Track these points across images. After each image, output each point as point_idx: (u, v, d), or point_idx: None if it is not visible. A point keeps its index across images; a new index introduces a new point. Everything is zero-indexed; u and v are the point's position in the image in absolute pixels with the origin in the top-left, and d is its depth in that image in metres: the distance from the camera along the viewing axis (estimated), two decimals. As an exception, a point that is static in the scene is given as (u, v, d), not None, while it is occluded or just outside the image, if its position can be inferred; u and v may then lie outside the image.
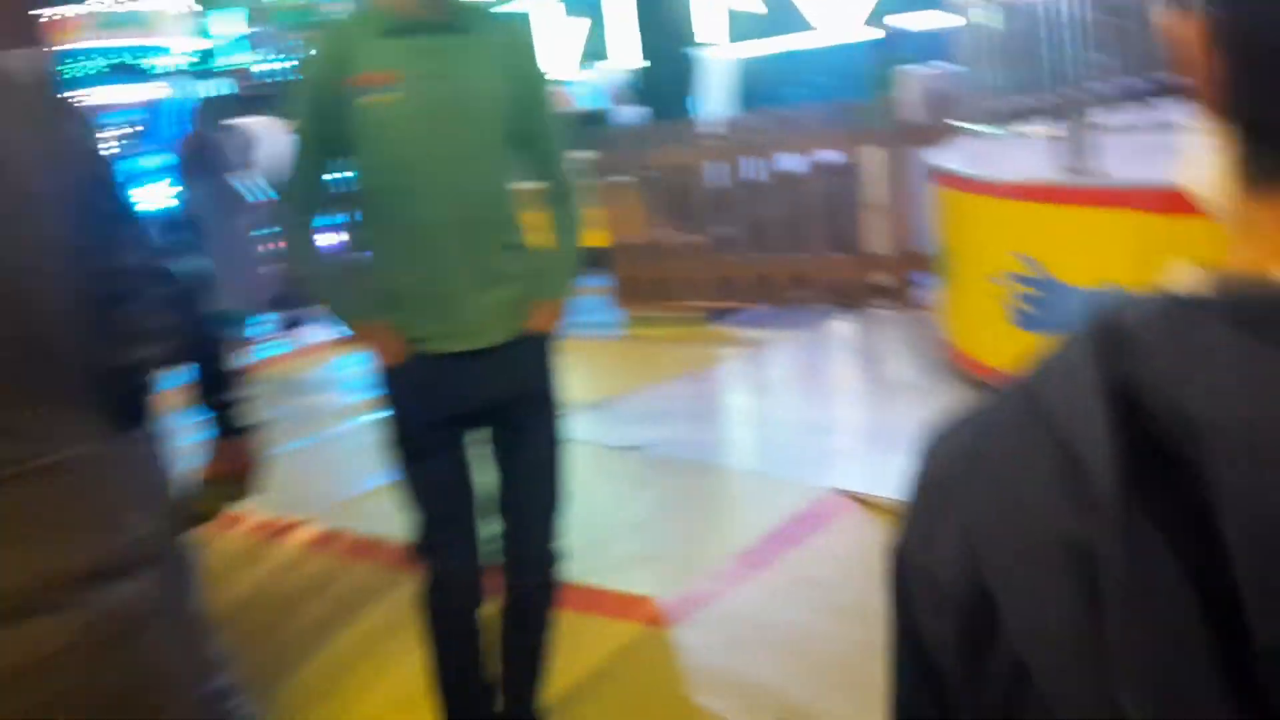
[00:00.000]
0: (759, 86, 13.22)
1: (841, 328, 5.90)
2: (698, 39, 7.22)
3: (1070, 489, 0.44)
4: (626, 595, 2.98)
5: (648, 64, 7.26)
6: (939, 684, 0.53)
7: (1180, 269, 0.48)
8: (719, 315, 6.71)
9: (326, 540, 3.77)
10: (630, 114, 8.87)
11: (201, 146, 7.69)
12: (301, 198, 2.22)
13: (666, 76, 7.05)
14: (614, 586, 3.02)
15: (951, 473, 0.54)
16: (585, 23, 14.68)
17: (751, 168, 6.46)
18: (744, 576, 3.05)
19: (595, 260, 7.98)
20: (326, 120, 2.12)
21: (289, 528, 3.91)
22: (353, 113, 2.08)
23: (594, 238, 7.34)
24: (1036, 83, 4.57)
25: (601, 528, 3.33)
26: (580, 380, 5.67)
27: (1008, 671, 0.47)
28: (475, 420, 2.27)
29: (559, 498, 2.36)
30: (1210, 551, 0.40)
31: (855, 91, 8.04)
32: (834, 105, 6.08)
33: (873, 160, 6.02)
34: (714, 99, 13.01)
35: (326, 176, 2.23)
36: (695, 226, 6.68)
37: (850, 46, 10.79)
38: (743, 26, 14.16)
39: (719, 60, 13.77)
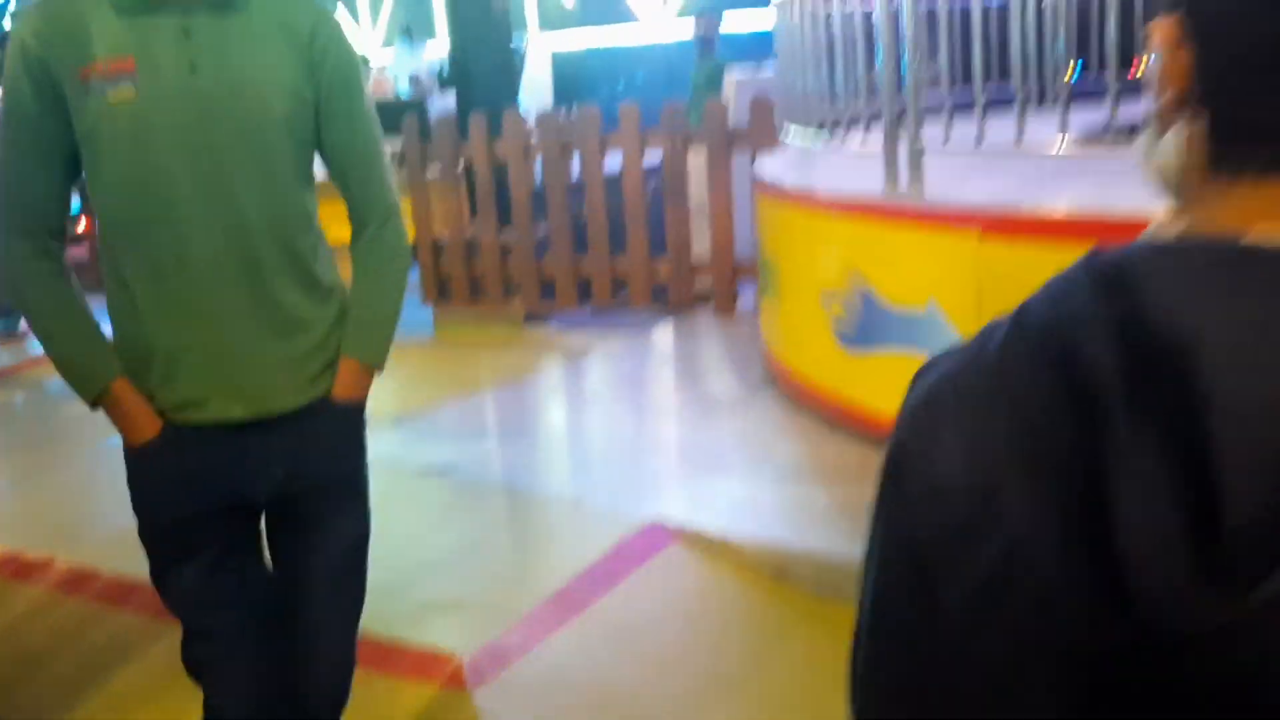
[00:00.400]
0: (581, 81, 12.97)
1: (664, 335, 5.72)
2: (515, 26, 6.85)
3: (1077, 400, 0.52)
4: (424, 651, 2.66)
5: (459, 50, 6.85)
6: (919, 578, 0.58)
7: (1159, 227, 0.59)
8: (537, 318, 6.43)
9: (77, 582, 3.28)
10: (445, 103, 8.45)
11: None
12: (23, 223, 1.71)
13: (481, 64, 6.67)
14: (411, 639, 2.70)
15: (954, 389, 0.59)
16: (390, 3, 14.09)
17: (573, 166, 6.20)
18: (556, 624, 2.79)
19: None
20: (51, 121, 1.65)
21: (33, 567, 3.40)
22: (84, 114, 1.63)
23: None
24: (861, 91, 4.49)
25: (398, 568, 3.00)
26: (382, 390, 5.34)
27: (998, 554, 0.54)
28: (256, 509, 1.84)
29: (358, 613, 1.93)
30: (1193, 452, 0.49)
31: (683, 91, 7.89)
32: (661, 104, 5.87)
33: (698, 163, 5.86)
34: (535, 92, 12.71)
35: (61, 194, 1.72)
36: (513, 225, 6.36)
37: (679, 44, 10.66)
38: (560, 16, 13.87)
39: (541, 51, 13.48)
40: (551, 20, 14.24)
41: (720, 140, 5.70)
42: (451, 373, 5.48)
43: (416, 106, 6.94)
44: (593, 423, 4.47)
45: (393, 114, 6.85)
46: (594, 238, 6.12)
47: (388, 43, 15.18)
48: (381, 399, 5.00)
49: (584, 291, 6.30)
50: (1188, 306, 0.52)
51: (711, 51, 8.05)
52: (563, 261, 6.23)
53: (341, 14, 13.33)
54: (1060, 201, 3.15)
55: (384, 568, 3.08)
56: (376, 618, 2.68)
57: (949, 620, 0.57)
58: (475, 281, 6.56)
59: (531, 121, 6.40)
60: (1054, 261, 0.60)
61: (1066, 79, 3.86)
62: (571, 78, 13.28)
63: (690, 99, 7.61)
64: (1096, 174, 3.35)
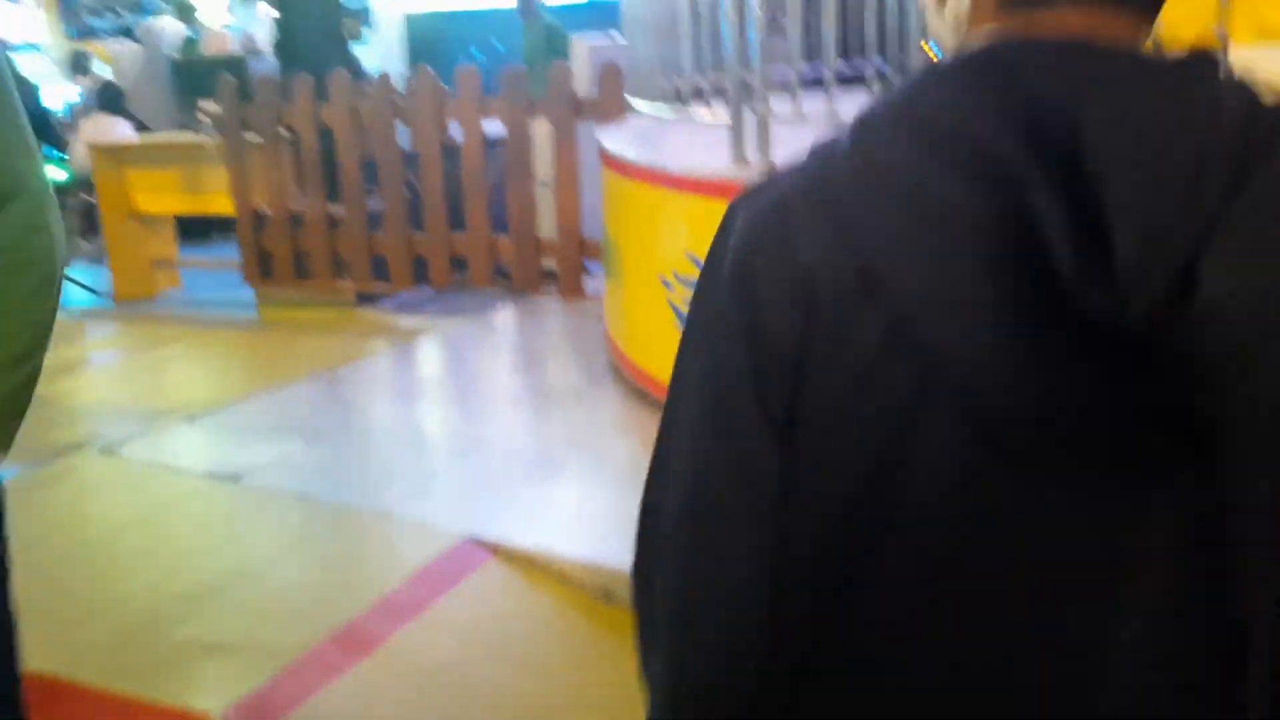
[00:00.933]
0: (437, 45, 12.35)
1: (504, 319, 5.30)
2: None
3: (968, 172, 0.58)
4: (176, 710, 2.21)
5: (281, 6, 6.25)
6: (770, 380, 0.63)
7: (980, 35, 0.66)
8: (368, 299, 5.92)
9: None
10: (270, 64, 7.80)
11: None
12: None
13: (306, 23, 6.10)
14: (154, 695, 2.24)
15: (804, 197, 0.64)
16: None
17: (408, 135, 5.70)
18: (339, 667, 2.37)
19: (212, 229, 6.95)
20: None
21: None
22: None
23: (219, 203, 6.32)
24: (713, 62, 4.16)
25: (154, 602, 2.53)
26: (179, 379, 4.95)
27: (883, 326, 0.60)
28: None
29: None
30: (1076, 200, 0.56)
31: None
32: (504, 72, 5.44)
33: (543, 135, 5.45)
34: (386, 56, 12.04)
35: None
36: (343, 197, 5.83)
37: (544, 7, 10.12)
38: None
39: (394, 12, 12.77)
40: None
41: (566, 109, 5.30)
42: (265, 360, 4.95)
43: (234, 65, 6.30)
44: (414, 419, 4.04)
45: (209, 72, 6.24)
46: (430, 213, 5.64)
47: None
48: (178, 390, 4.47)
49: (421, 271, 5.83)
50: (1055, 86, 0.60)
51: (534, 15, 7.57)
52: (397, 238, 5.74)
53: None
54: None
55: (138, 603, 2.62)
56: (115, 668, 2.22)
57: (822, 417, 0.62)
58: (301, 258, 6.01)
59: (369, 85, 5.88)
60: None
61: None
62: (426, 41, 12.64)
63: (528, 68, 7.19)
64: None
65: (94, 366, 4.96)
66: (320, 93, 5.70)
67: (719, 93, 4.01)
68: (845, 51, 4.46)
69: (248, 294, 6.15)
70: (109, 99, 6.93)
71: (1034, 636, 0.60)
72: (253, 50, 8.52)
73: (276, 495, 3.26)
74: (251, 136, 5.97)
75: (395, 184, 5.68)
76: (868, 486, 0.61)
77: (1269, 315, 0.54)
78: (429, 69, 5.58)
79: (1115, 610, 0.59)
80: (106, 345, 5.44)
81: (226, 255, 6.38)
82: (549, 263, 5.53)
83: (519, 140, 5.43)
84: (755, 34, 3.27)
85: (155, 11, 11.55)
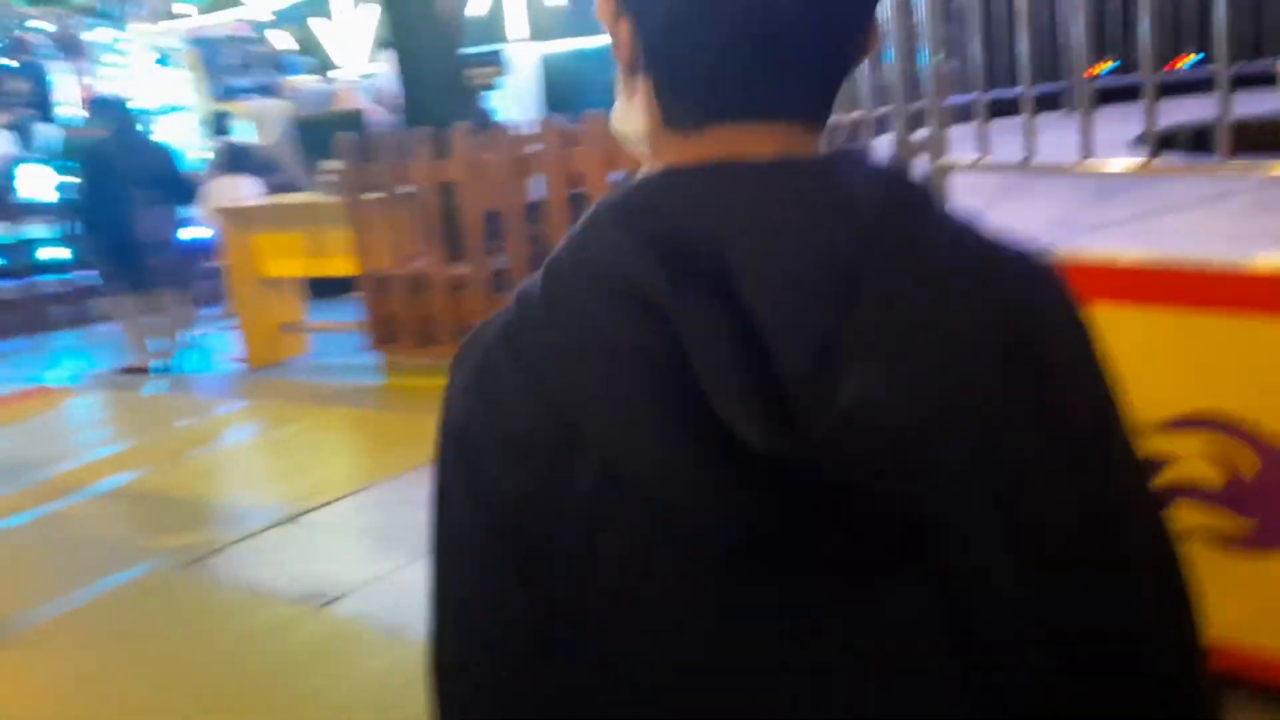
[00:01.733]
0: (574, 87, 12.03)
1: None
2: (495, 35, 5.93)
3: (634, 314, 0.60)
4: None
5: (404, 61, 5.93)
6: (511, 538, 0.64)
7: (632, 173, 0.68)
8: (494, 366, 5.49)
9: None
10: (389, 119, 7.56)
11: None
12: None
13: (427, 74, 5.75)
14: None
15: (504, 353, 0.65)
16: (375, 10, 13.19)
17: (540, 186, 5.27)
18: None
19: (344, 286, 6.67)
20: None
21: None
22: None
23: (344, 265, 6.03)
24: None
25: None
26: (289, 467, 4.33)
27: (594, 473, 0.61)
28: None
29: None
30: (740, 322, 0.58)
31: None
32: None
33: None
34: (524, 102, 11.80)
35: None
36: (466, 257, 5.44)
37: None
38: (552, 25, 12.94)
39: (530, 56, 12.57)
40: (543, 30, 13.31)
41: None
42: (378, 444, 4.58)
43: (354, 121, 6.03)
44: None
45: (329, 130, 5.97)
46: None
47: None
48: (285, 481, 4.08)
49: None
50: (701, 214, 0.61)
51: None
52: (523, 299, 5.29)
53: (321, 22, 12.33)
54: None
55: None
56: None
57: (556, 566, 0.63)
58: (424, 322, 5.64)
59: (496, 136, 5.49)
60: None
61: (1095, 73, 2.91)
62: (564, 83, 12.36)
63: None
64: (1171, 195, 2.39)
65: (209, 451, 4.65)
66: (442, 147, 5.33)
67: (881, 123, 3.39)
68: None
69: (370, 361, 5.83)
70: (237, 160, 6.79)
71: None
72: (383, 104, 8.32)
73: (370, 628, 2.78)
74: (372, 195, 5.65)
75: (520, 242, 5.25)
76: (601, 622, 0.63)
77: (906, 418, 0.58)
78: (554, 118, 5.13)
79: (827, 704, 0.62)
80: (230, 422, 5.16)
81: (355, 315, 6.08)
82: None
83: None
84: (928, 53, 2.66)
85: (296, 69, 11.65)
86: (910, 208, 0.63)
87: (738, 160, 0.63)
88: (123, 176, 6.00)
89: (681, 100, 0.66)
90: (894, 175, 0.64)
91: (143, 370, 6.27)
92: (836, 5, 0.64)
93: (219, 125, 8.38)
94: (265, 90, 11.18)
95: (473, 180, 5.30)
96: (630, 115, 0.69)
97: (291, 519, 3.57)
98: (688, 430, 0.58)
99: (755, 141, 0.64)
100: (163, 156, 6.48)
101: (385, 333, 5.76)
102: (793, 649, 0.61)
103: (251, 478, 4.28)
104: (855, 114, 3.49)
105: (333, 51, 13.86)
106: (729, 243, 0.60)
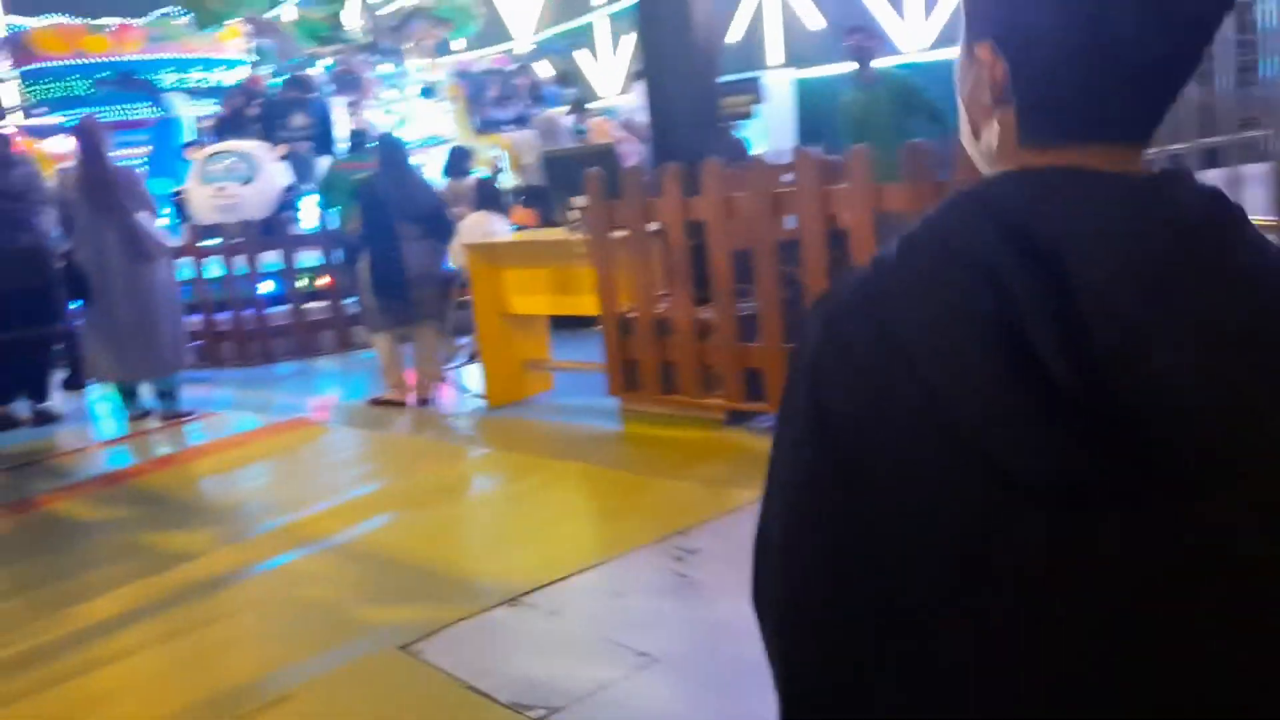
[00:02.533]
0: (821, 112, 11.47)
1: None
2: (720, 58, 5.57)
3: (976, 281, 0.71)
4: None
5: (653, 90, 5.63)
6: (837, 451, 0.75)
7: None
8: (739, 418, 5.08)
9: None
10: (637, 153, 7.31)
11: (96, 182, 6.34)
12: None
13: (678, 106, 5.43)
14: None
15: (859, 298, 0.77)
16: (634, 39, 13.18)
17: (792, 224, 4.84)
18: None
19: (587, 323, 6.46)
20: None
21: None
22: None
23: (590, 305, 5.80)
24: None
25: None
26: (518, 531, 4.00)
27: (923, 404, 0.72)
28: None
29: None
30: (1062, 302, 0.69)
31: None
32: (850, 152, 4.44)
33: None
34: (778, 132, 11.39)
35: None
36: (714, 300, 5.06)
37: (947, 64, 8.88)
38: (811, 50, 12.43)
39: (784, 82, 12.15)
40: (801, 56, 12.83)
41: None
42: (613, 508, 4.24)
43: (603, 156, 5.79)
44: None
45: (578, 164, 5.76)
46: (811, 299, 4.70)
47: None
48: (512, 551, 3.80)
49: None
50: (1045, 208, 0.73)
51: (867, 71, 6.27)
52: (774, 348, 4.85)
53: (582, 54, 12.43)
54: None
55: None
56: None
57: (879, 482, 0.74)
58: (668, 369, 5.30)
59: (751, 169, 5.10)
60: None
61: None
62: (819, 109, 11.86)
63: (843, 135, 6.00)
64: None
65: (443, 506, 4.46)
66: (691, 182, 4.99)
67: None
68: None
69: (610, 410, 5.56)
70: (486, 195, 6.74)
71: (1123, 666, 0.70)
72: (635, 136, 8.12)
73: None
74: (619, 233, 5.38)
75: (771, 284, 4.81)
76: (926, 541, 0.73)
77: (1204, 390, 0.68)
78: (809, 152, 4.66)
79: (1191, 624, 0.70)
80: (468, 472, 4.99)
81: (598, 352, 5.83)
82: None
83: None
84: None
85: (554, 101, 11.74)
86: (1227, 225, 0.74)
87: (1081, 169, 0.76)
88: (393, 212, 6.04)
89: (1043, 124, 0.78)
90: (1215, 194, 0.75)
91: (397, 404, 6.29)
92: (1191, 42, 0.75)
93: (456, 164, 8.28)
94: (522, 121, 11.31)
95: (723, 218, 4.92)
96: (987, 137, 0.82)
97: (517, 598, 3.27)
98: (1012, 375, 0.69)
99: (1096, 157, 0.77)
100: (429, 193, 6.51)
101: (626, 377, 5.48)
102: (1105, 575, 0.70)
103: (481, 541, 4.04)
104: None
105: (594, 83, 13.98)
106: (1066, 235, 0.72)
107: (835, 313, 0.78)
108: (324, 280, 8.99)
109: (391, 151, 6.34)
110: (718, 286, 4.99)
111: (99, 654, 3.27)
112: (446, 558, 3.75)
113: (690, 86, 5.41)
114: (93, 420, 6.78)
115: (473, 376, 6.80)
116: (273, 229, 8.91)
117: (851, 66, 6.40)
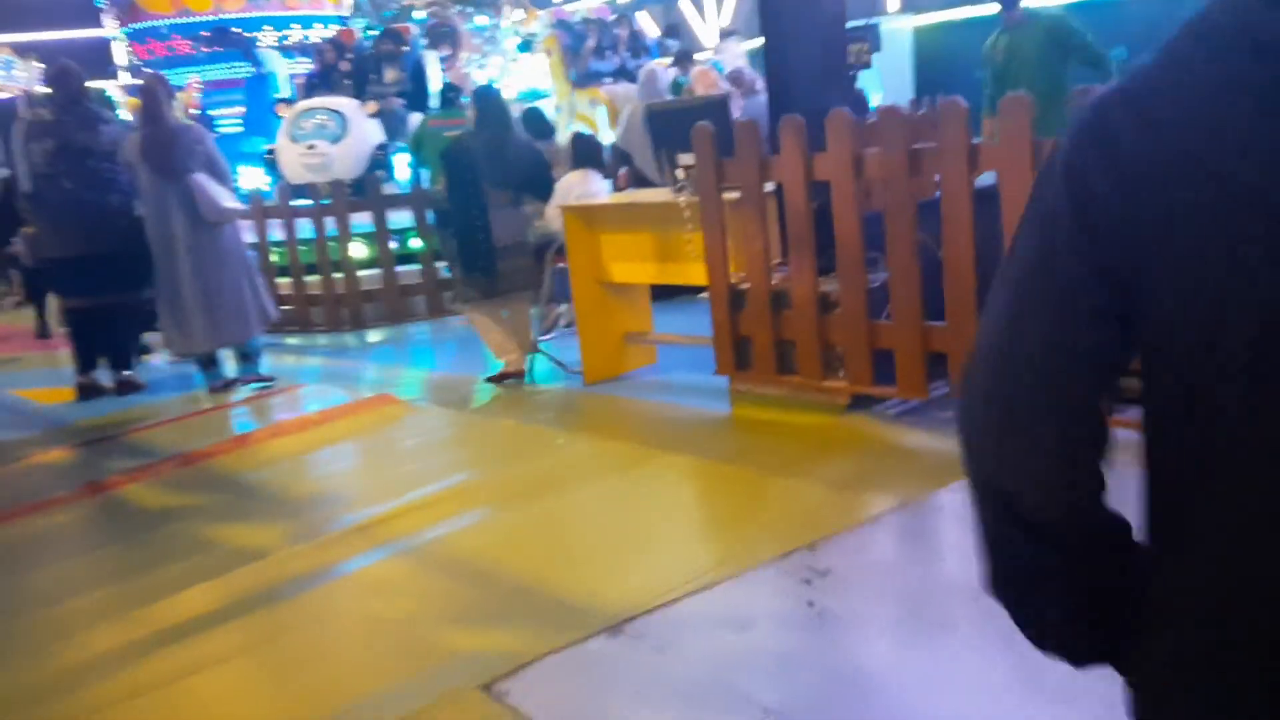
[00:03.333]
0: (940, 61, 10.64)
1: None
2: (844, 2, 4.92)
3: (1243, 54, 0.74)
4: None
5: (770, 31, 5.03)
6: (1092, 243, 0.80)
7: None
8: (863, 402, 4.53)
9: None
10: (739, 108, 6.68)
11: (156, 143, 6.00)
12: None
13: (799, 52, 4.83)
14: None
15: (1116, 106, 0.80)
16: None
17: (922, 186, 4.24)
18: None
19: (694, 291, 5.93)
20: None
21: None
22: None
23: (697, 274, 5.29)
24: None
25: None
26: (623, 537, 3.44)
27: (1201, 189, 0.74)
28: None
29: None
30: None
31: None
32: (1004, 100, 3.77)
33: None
34: (891, 81, 10.63)
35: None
36: (839, 271, 4.50)
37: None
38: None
39: (899, 29, 11.35)
40: (918, 3, 11.95)
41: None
42: (726, 513, 3.73)
43: (713, 109, 5.21)
44: (960, 674, 2.51)
45: (684, 118, 5.21)
46: (954, 289, 4.10)
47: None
48: (615, 566, 3.29)
49: (938, 369, 4.32)
50: None
51: (1014, 11, 5.44)
52: (907, 326, 4.27)
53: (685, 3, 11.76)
54: None
55: None
56: None
57: (1150, 273, 0.78)
58: (785, 348, 4.76)
59: (876, 121, 4.50)
60: None
61: None
62: (938, 58, 11.04)
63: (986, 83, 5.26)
64: None
65: (535, 503, 3.96)
66: (814, 139, 4.41)
67: None
68: None
69: (719, 390, 5.04)
70: (584, 152, 6.22)
71: None
72: (741, 88, 7.51)
73: None
74: (731, 195, 4.83)
75: (908, 256, 4.22)
76: (1201, 325, 0.76)
77: None
78: (957, 101, 4.04)
79: None
80: (563, 464, 4.45)
81: (704, 323, 5.30)
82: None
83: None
84: None
85: (655, 54, 11.13)
86: None
87: None
88: (485, 175, 5.57)
89: None
90: None
91: (516, 375, 5.87)
92: None
93: (532, 127, 7.62)
94: (624, 74, 10.75)
95: (851, 178, 4.33)
96: None
97: (619, 625, 2.80)
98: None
99: None
100: (532, 152, 6.02)
101: (737, 355, 4.95)
102: None
103: (578, 550, 3.52)
104: None
105: (699, 34, 13.32)
106: None
107: (1091, 112, 0.81)
108: (417, 243, 8.64)
109: (490, 107, 5.82)
110: (843, 255, 4.42)
111: (158, 669, 2.93)
112: (537, 570, 3.29)
113: (815, 30, 4.80)
114: (174, 390, 6.51)
115: (570, 348, 6.35)
116: (364, 189, 8.56)
117: (994, 7, 5.70)
